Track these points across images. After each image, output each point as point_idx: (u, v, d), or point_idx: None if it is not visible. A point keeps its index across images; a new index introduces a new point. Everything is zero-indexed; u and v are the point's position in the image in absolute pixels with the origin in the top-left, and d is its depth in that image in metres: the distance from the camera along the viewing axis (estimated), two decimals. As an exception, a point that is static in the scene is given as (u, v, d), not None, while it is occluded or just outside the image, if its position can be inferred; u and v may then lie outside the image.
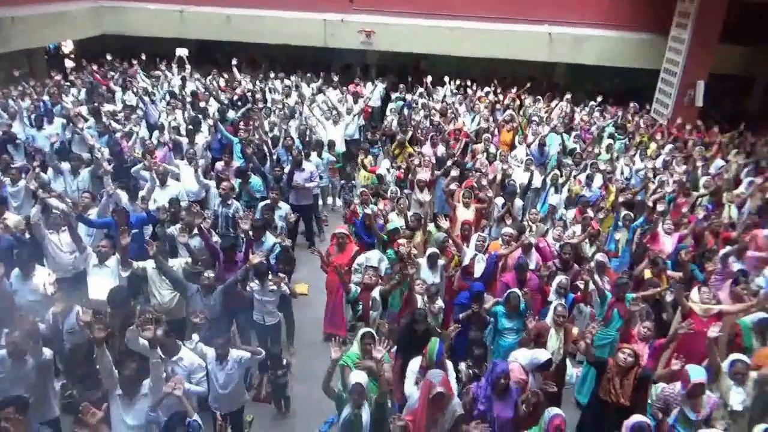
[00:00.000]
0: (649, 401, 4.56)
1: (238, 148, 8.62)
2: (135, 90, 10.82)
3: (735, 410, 4.31)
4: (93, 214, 6.32)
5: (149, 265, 5.39)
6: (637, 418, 3.78)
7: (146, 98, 10.20)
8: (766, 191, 7.85)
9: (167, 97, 10.93)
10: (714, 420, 4.20)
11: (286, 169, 8.01)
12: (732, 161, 9.44)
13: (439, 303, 5.55)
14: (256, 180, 7.75)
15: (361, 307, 5.30)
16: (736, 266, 5.98)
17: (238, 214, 6.71)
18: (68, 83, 11.95)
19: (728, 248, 6.20)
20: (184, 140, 8.50)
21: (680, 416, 4.21)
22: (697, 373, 4.14)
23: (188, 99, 10.74)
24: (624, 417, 3.87)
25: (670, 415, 4.30)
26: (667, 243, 6.71)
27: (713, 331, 4.44)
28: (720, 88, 12.93)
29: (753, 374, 4.40)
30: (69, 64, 15.86)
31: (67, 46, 17.16)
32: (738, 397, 4.32)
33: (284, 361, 5.42)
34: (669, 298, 5.72)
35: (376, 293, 5.35)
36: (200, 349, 4.50)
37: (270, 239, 6.29)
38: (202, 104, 10.57)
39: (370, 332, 4.43)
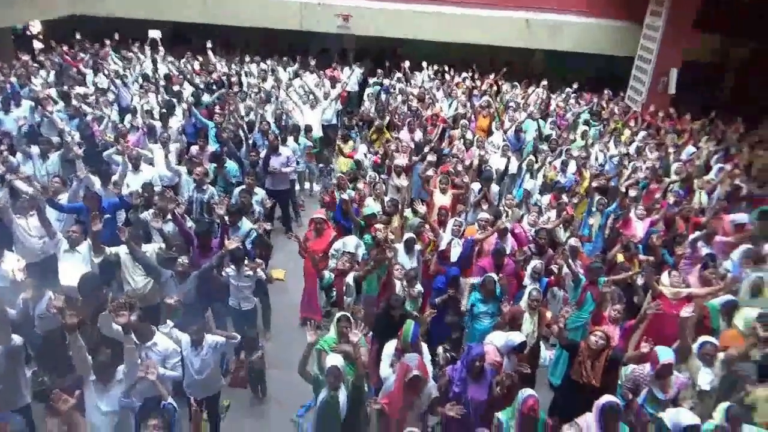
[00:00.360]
0: (619, 382, 4.66)
1: (213, 132, 8.50)
2: (106, 72, 10.51)
3: (703, 390, 4.44)
4: (63, 199, 6.18)
5: (122, 250, 5.30)
6: (607, 398, 3.87)
7: (118, 81, 9.93)
8: (735, 177, 8.04)
9: (140, 80, 10.68)
10: (681, 399, 4.33)
11: (262, 154, 7.93)
12: (703, 148, 9.61)
13: (418, 287, 5.58)
14: (231, 165, 7.63)
15: (335, 293, 5.29)
16: (704, 251, 6.13)
17: (213, 199, 6.64)
18: (37, 65, 11.57)
19: (697, 233, 6.36)
20: (158, 124, 8.33)
21: (649, 396, 4.33)
22: (665, 354, 4.25)
23: (161, 82, 10.53)
24: (595, 397, 3.94)
25: (639, 395, 4.43)
26: (638, 228, 6.83)
27: (686, 312, 4.56)
28: (692, 76, 13.12)
29: (720, 355, 4.53)
30: (37, 45, 15.38)
31: (35, 27, 16.62)
32: (706, 378, 4.45)
33: (260, 346, 5.41)
34: (640, 281, 5.85)
35: (350, 279, 5.34)
36: (175, 335, 4.46)
37: (246, 224, 6.22)
38: (175, 88, 10.36)
39: (346, 316, 4.45)
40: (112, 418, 3.84)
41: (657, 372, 4.24)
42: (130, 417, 3.97)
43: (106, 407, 3.79)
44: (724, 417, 3.89)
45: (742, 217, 6.70)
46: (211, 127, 8.62)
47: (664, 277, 5.59)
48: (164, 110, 8.69)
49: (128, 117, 8.86)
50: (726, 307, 5.21)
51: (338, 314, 4.53)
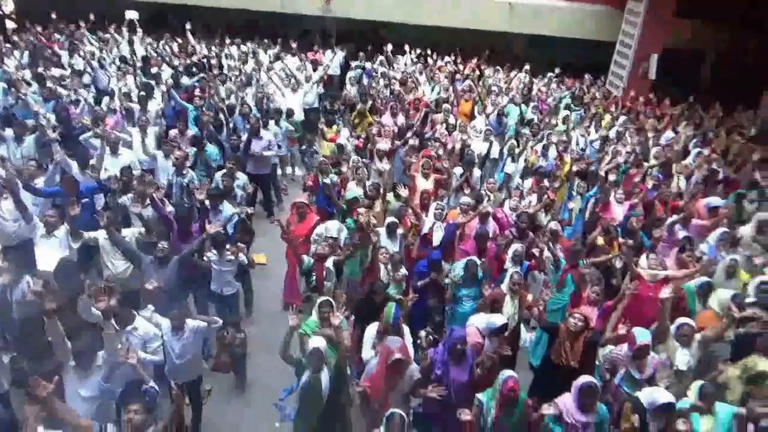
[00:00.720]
0: (597, 363, 4.75)
1: (193, 116, 8.36)
2: (82, 54, 10.29)
3: (680, 370, 4.54)
4: (40, 183, 6.02)
5: (101, 235, 5.21)
6: (585, 378, 3.93)
7: (95, 63, 9.69)
8: (712, 162, 8.17)
9: (117, 62, 10.44)
10: (658, 379, 4.43)
11: (243, 138, 7.84)
12: (681, 133, 9.73)
13: (403, 271, 5.59)
14: (212, 149, 7.52)
15: (314, 277, 5.27)
16: (681, 234, 6.24)
17: (193, 183, 6.54)
18: (10, 45, 11.26)
19: (675, 217, 6.46)
20: (136, 107, 8.16)
21: (626, 376, 4.41)
22: (642, 335, 4.33)
23: (139, 64, 10.33)
24: (574, 378, 4.00)
25: (616, 375, 4.52)
26: (618, 211, 6.91)
27: (665, 293, 4.65)
28: (672, 62, 13.25)
29: (697, 336, 4.63)
30: (10, 25, 14.95)
31: (8, 6, 16.14)
32: (683, 358, 4.55)
33: (242, 331, 5.40)
34: (619, 264, 5.94)
35: (329, 263, 5.33)
36: (155, 320, 4.43)
37: (228, 208, 6.15)
38: (154, 70, 10.14)
39: (328, 301, 4.44)
40: (92, 404, 3.80)
41: (634, 353, 4.32)
42: (110, 402, 3.94)
43: (86, 393, 3.76)
44: (698, 395, 4.00)
45: (715, 200, 6.80)
46: (191, 111, 8.48)
47: (642, 259, 5.67)
48: (142, 93, 8.49)
49: (106, 100, 8.66)
50: (702, 289, 5.32)
51: (320, 299, 4.52)
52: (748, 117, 10.81)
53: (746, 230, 6.59)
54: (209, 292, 5.62)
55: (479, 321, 4.68)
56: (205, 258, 5.40)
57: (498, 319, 4.62)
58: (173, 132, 7.79)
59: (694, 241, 6.12)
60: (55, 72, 9.50)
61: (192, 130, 7.92)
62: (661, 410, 3.79)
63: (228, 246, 5.39)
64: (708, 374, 4.50)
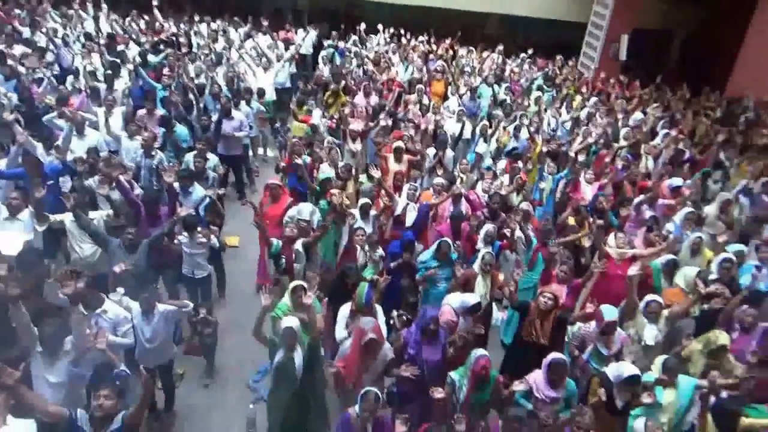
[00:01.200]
0: (566, 340, 4.87)
1: (162, 95, 8.16)
2: (44, 30, 9.91)
3: (648, 345, 4.68)
4: (1, 164, 5.83)
5: (67, 218, 5.08)
6: (555, 355, 4.02)
7: (58, 40, 9.33)
8: (679, 143, 8.32)
9: (82, 40, 10.09)
10: (624, 354, 4.56)
11: (214, 118, 7.69)
12: (650, 114, 9.88)
13: (380, 252, 5.60)
14: (181, 129, 7.36)
15: (284, 260, 5.23)
16: (648, 213, 6.37)
17: (162, 165, 6.39)
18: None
19: (642, 197, 6.59)
20: (102, 86, 7.92)
21: (594, 352, 4.53)
22: (609, 312, 4.44)
23: (104, 42, 9.97)
24: (544, 355, 4.10)
25: (585, 351, 4.64)
26: (587, 192, 7.02)
27: (633, 270, 4.76)
28: (642, 43, 13.38)
29: (664, 312, 4.77)
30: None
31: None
32: (651, 334, 4.69)
33: (214, 321, 5.33)
34: (587, 243, 6.05)
35: (298, 245, 5.30)
36: (125, 303, 4.36)
37: (199, 190, 6.05)
38: (120, 48, 9.80)
39: (301, 285, 4.41)
40: (61, 390, 3.75)
41: (601, 329, 4.43)
42: (80, 387, 3.89)
43: (54, 378, 3.70)
44: (661, 369, 4.13)
45: (677, 181, 6.97)
46: (159, 90, 8.27)
47: (611, 238, 5.78)
48: (108, 72, 8.23)
49: (70, 78, 8.39)
50: (667, 267, 5.46)
51: (293, 284, 4.49)
52: (715, 99, 11.03)
53: (710, 209, 6.78)
54: (180, 275, 5.55)
55: (454, 300, 4.73)
56: (175, 241, 5.32)
57: (471, 298, 4.69)
58: (141, 112, 7.60)
59: (660, 220, 6.27)
60: (17, 50, 9.15)
61: (160, 110, 7.73)
62: (627, 383, 3.91)
63: (199, 229, 5.31)
64: (673, 349, 4.66)
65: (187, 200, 5.82)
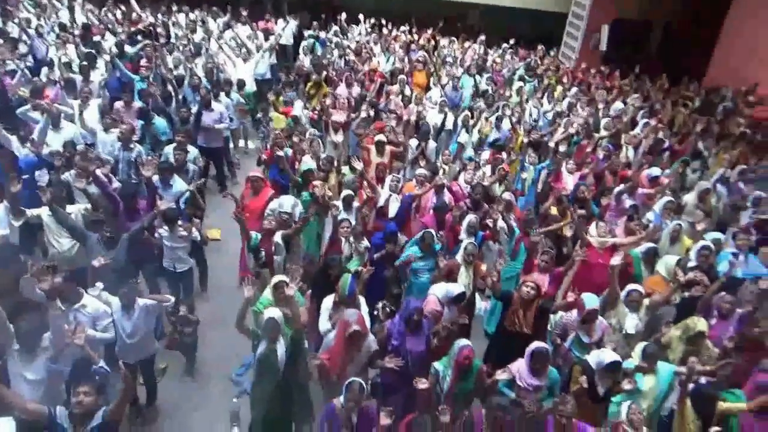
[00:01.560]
0: (549, 329, 4.93)
1: (139, 87, 8.03)
2: (17, 20, 9.66)
3: (629, 333, 4.75)
4: (-27, 158, 5.72)
5: (44, 212, 4.98)
6: (537, 344, 4.07)
7: (31, 31, 9.09)
8: (659, 133, 8.42)
9: (56, 30, 9.86)
10: (605, 342, 4.62)
11: (194, 110, 7.60)
12: (630, 104, 9.98)
13: (365, 243, 5.60)
14: (160, 121, 7.25)
15: (263, 253, 5.19)
16: (628, 202, 6.44)
17: (141, 158, 6.28)
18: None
19: (622, 186, 6.66)
20: (78, 78, 7.75)
21: (576, 340, 4.60)
22: (590, 301, 4.49)
23: (79, 32, 9.76)
24: (527, 344, 4.14)
25: (567, 340, 4.70)
26: (569, 181, 7.07)
27: (615, 260, 4.82)
28: (622, 33, 13.48)
29: (645, 301, 4.85)
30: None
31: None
32: (632, 322, 4.77)
33: (195, 320, 5.28)
34: (569, 232, 6.11)
35: (278, 238, 5.27)
36: (105, 298, 4.30)
37: (179, 183, 5.96)
38: (96, 38, 9.61)
39: (283, 281, 4.38)
40: (39, 387, 3.69)
41: (583, 318, 4.49)
42: (59, 384, 3.83)
43: (32, 376, 3.65)
44: (641, 356, 4.19)
45: (656, 171, 7.09)
46: (137, 82, 8.13)
47: (592, 228, 5.85)
48: (84, 63, 8.04)
49: (44, 70, 8.20)
50: (647, 255, 5.55)
51: (275, 280, 4.46)
52: (693, 89, 11.17)
53: (689, 198, 6.90)
54: (161, 269, 5.48)
55: (438, 290, 4.75)
56: (156, 234, 5.26)
57: (455, 288, 4.71)
58: (118, 104, 7.46)
59: (640, 209, 6.36)
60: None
61: (138, 103, 7.59)
62: (608, 370, 3.97)
63: (180, 222, 5.25)
64: (653, 336, 4.74)
65: (167, 193, 5.72)
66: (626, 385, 3.91)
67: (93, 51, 8.70)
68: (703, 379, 4.14)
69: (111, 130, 6.67)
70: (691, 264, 5.26)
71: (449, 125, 8.54)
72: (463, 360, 3.91)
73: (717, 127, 9.02)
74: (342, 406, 3.66)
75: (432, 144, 7.76)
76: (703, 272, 5.04)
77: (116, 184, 5.79)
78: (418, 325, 4.31)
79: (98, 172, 5.34)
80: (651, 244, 5.57)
